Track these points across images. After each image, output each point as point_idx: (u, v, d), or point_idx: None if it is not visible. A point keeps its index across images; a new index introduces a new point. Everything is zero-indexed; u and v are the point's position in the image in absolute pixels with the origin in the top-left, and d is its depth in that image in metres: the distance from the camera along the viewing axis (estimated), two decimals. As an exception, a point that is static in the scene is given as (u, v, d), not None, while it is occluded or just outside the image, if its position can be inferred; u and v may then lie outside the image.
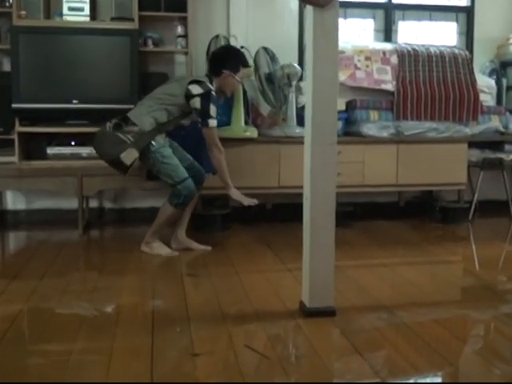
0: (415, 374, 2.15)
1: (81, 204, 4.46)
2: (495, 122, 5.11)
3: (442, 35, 5.70)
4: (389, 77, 4.89)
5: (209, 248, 4.02)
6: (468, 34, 5.68)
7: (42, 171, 4.42)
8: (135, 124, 3.74)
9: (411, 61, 4.95)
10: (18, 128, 4.50)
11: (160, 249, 3.90)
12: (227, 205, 4.88)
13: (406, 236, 4.60)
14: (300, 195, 2.75)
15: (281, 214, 4.97)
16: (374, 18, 5.57)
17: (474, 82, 5.02)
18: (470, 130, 5.00)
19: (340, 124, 4.74)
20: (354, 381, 2.14)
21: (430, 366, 2.21)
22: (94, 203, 5.05)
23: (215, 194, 4.76)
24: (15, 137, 4.50)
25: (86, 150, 4.58)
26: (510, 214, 5.22)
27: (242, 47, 4.71)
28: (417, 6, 5.62)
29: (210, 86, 3.82)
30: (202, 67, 4.79)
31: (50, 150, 4.59)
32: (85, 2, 4.57)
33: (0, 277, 3.47)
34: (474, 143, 5.10)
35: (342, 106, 4.74)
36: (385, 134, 4.83)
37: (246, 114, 4.76)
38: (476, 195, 5.15)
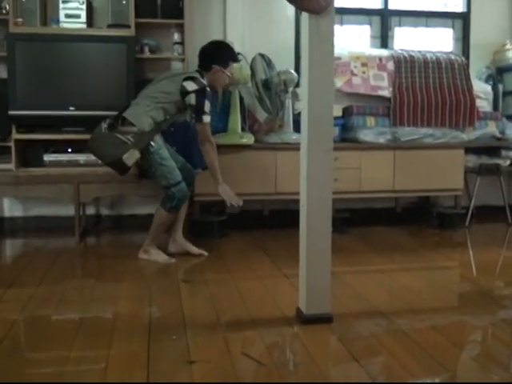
0: (412, 380, 2.14)
1: (77, 211, 4.46)
2: (492, 128, 5.12)
3: (438, 41, 5.71)
4: (385, 83, 4.89)
5: (205, 253, 4.03)
6: (464, 40, 5.70)
7: (38, 178, 4.42)
8: (132, 124, 3.72)
9: (407, 67, 4.96)
10: (15, 135, 4.50)
11: (157, 256, 3.90)
12: (224, 211, 4.88)
13: (402, 242, 4.60)
14: (297, 201, 2.74)
15: (278, 220, 4.96)
16: (370, 24, 5.59)
17: (470, 87, 5.03)
18: (467, 135, 5.01)
19: (337, 130, 4.75)
20: (351, 388, 2.14)
21: (427, 372, 2.20)
22: (90, 210, 5.04)
23: (212, 201, 4.76)
24: (12, 144, 4.50)
25: (82, 157, 4.59)
26: (506, 220, 5.22)
27: (238, 53, 4.70)
28: (413, 12, 5.64)
29: (203, 81, 3.84)
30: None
31: (47, 157, 4.58)
32: (81, 9, 4.58)
33: (-4, 284, 3.47)
34: (470, 149, 5.11)
35: (338, 112, 4.74)
36: (381, 140, 4.83)
37: (243, 120, 4.77)
38: (473, 201, 5.15)
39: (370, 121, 4.83)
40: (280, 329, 2.64)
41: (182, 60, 4.82)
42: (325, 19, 2.55)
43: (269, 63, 4.95)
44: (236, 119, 4.64)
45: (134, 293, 3.22)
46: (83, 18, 4.59)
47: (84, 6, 4.59)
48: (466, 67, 5.11)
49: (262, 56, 4.92)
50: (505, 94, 5.44)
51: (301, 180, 2.69)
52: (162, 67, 4.96)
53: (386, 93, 4.88)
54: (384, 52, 5.10)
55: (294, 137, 4.57)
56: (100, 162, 3.96)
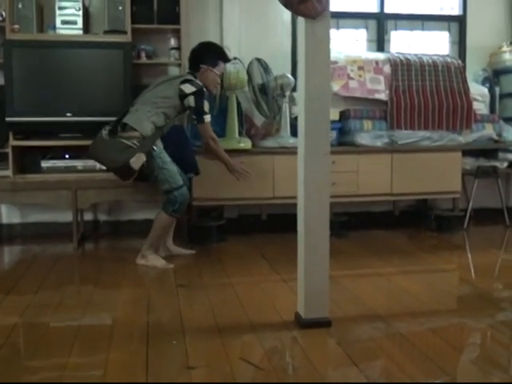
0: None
1: (75, 217, 4.45)
2: (489, 130, 5.12)
3: (434, 44, 5.72)
4: (382, 86, 4.90)
5: (193, 251, 4.18)
6: (460, 42, 5.71)
7: (36, 185, 4.41)
8: (134, 129, 3.74)
9: (404, 70, 4.97)
10: (12, 142, 4.49)
11: (156, 261, 3.90)
12: (222, 216, 4.89)
13: (401, 245, 4.60)
14: (295, 205, 2.74)
15: (276, 224, 4.96)
16: (366, 28, 5.60)
17: (467, 90, 5.04)
18: (464, 138, 5.01)
19: (334, 134, 4.75)
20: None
21: (426, 376, 2.20)
22: (88, 216, 5.04)
23: (211, 206, 4.77)
24: (9, 150, 4.50)
25: (80, 163, 4.59)
26: (504, 222, 5.23)
27: (235, 58, 4.73)
28: (409, 16, 5.65)
29: (199, 83, 3.90)
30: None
31: (44, 164, 4.58)
32: (78, 16, 4.59)
33: (-6, 291, 3.47)
34: (467, 151, 5.11)
35: (335, 116, 4.74)
36: (378, 143, 4.84)
37: (240, 125, 4.77)
38: (471, 203, 5.16)
39: (367, 124, 4.83)
40: (279, 333, 2.64)
41: (179, 65, 4.82)
42: (321, 23, 2.56)
43: (265, 68, 4.96)
44: (233, 124, 4.64)
45: (132, 298, 3.22)
46: (80, 25, 4.60)
47: (80, 13, 4.59)
48: (462, 70, 5.12)
49: (259, 60, 4.93)
50: (501, 96, 5.44)
51: (298, 184, 2.69)
52: (158, 72, 4.95)
53: (383, 96, 4.89)
54: (380, 55, 5.11)
55: (292, 141, 4.57)
56: (103, 167, 4.00)
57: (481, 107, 5.19)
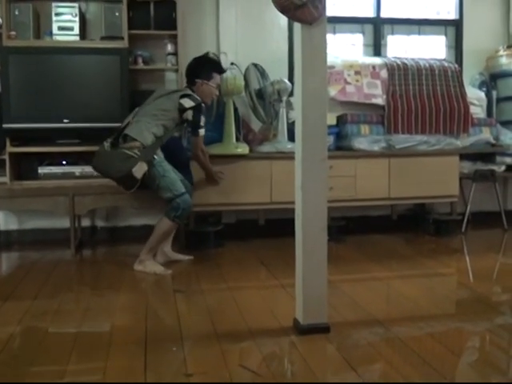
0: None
1: (73, 223, 4.44)
2: (486, 134, 5.12)
3: (431, 49, 5.73)
4: (379, 91, 4.90)
5: (191, 257, 4.18)
6: (457, 47, 5.72)
7: (33, 191, 4.40)
8: (135, 139, 3.81)
9: (401, 74, 4.97)
10: (9, 148, 4.49)
11: (154, 267, 3.89)
12: (220, 221, 4.89)
13: (399, 249, 4.59)
14: (293, 210, 2.74)
15: (274, 229, 4.95)
16: (363, 32, 5.61)
17: (463, 94, 5.05)
18: (461, 142, 5.02)
19: (331, 138, 4.75)
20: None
21: (425, 381, 2.19)
22: (86, 222, 5.03)
23: (208, 211, 4.76)
24: (6, 157, 4.49)
25: (77, 169, 4.59)
26: (502, 226, 5.23)
27: (232, 64, 4.74)
28: (405, 21, 5.66)
29: (198, 97, 4.00)
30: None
31: (42, 170, 4.58)
32: (74, 22, 4.59)
33: (-8, 298, 3.46)
34: (465, 155, 5.12)
35: (332, 120, 4.74)
36: (376, 147, 4.84)
37: (237, 130, 4.77)
38: (468, 207, 5.16)
39: (365, 129, 4.83)
40: (277, 339, 2.63)
41: (176, 71, 4.83)
42: (317, 29, 2.56)
43: (262, 73, 4.96)
44: (230, 129, 4.64)
45: (131, 305, 3.21)
46: (76, 31, 4.60)
47: (77, 19, 4.60)
48: (459, 74, 5.12)
49: (256, 66, 4.94)
50: (498, 100, 5.44)
51: (296, 189, 2.69)
52: (155, 78, 4.97)
53: (380, 101, 4.89)
54: (377, 60, 5.11)
55: (289, 146, 4.57)
56: (107, 178, 4.01)
57: (478, 111, 5.19)
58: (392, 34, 5.66)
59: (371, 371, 2.30)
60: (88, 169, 4.44)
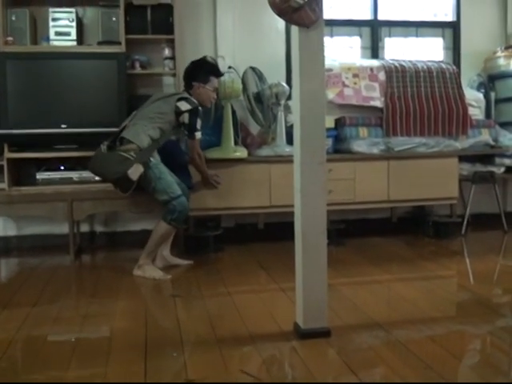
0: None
1: (72, 229, 4.44)
2: (485, 136, 5.12)
3: (428, 51, 5.73)
4: (377, 93, 4.90)
5: (191, 262, 4.18)
6: (455, 48, 5.72)
7: (31, 197, 4.40)
8: (131, 142, 3.83)
9: (399, 77, 4.97)
10: (7, 154, 4.48)
11: (153, 272, 3.88)
12: (219, 226, 4.88)
13: (399, 252, 4.58)
14: (292, 214, 2.73)
15: (273, 233, 4.94)
16: (360, 35, 5.60)
17: (462, 96, 5.04)
18: (460, 144, 5.01)
19: (330, 141, 4.75)
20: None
21: (426, 384, 2.18)
22: (85, 227, 5.02)
23: (207, 216, 4.75)
24: (4, 163, 4.48)
25: (75, 175, 4.58)
26: (502, 227, 5.22)
27: (229, 67, 4.73)
28: (403, 23, 5.66)
29: (195, 100, 4.02)
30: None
31: (40, 176, 4.57)
32: (71, 27, 4.59)
33: (-9, 305, 3.45)
34: (464, 157, 5.11)
35: (331, 123, 4.74)
36: (375, 150, 4.83)
37: (236, 134, 4.76)
38: (468, 209, 5.15)
39: (363, 131, 4.83)
40: (278, 344, 2.61)
41: (174, 75, 4.82)
42: (314, 32, 2.56)
43: (260, 76, 4.96)
44: (229, 133, 4.63)
45: (130, 310, 3.19)
46: (73, 36, 4.60)
47: (74, 24, 4.60)
48: (457, 76, 5.12)
49: (253, 69, 4.93)
50: (497, 101, 5.44)
51: (295, 193, 2.68)
52: (153, 82, 4.97)
53: (378, 103, 4.89)
54: (375, 62, 5.11)
55: (288, 149, 4.56)
56: (98, 178, 4.03)
57: (476, 112, 5.19)
58: (389, 36, 5.66)
59: (372, 375, 2.29)
60: (86, 174, 4.44)
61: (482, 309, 3.11)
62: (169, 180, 3.93)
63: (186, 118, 3.96)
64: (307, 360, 2.40)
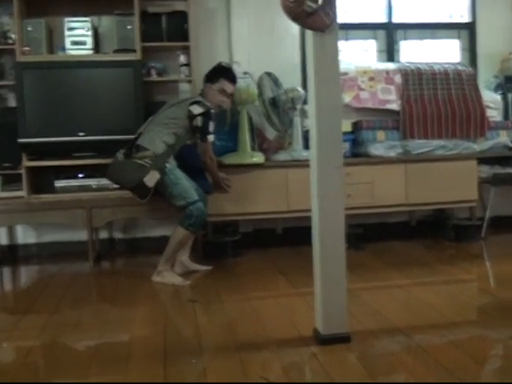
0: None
1: (91, 236, 4.46)
2: (503, 137, 5.07)
3: (444, 52, 5.69)
4: (393, 96, 4.88)
5: (209, 267, 4.19)
6: (471, 50, 5.68)
7: (50, 204, 4.43)
8: (146, 149, 3.85)
9: (415, 79, 4.95)
10: (26, 162, 4.52)
11: (172, 277, 3.89)
12: (237, 231, 4.87)
13: (419, 256, 4.55)
14: (310, 218, 2.71)
15: (291, 238, 4.93)
16: (375, 38, 5.58)
17: (479, 97, 5.00)
18: (479, 146, 4.97)
19: (347, 145, 4.74)
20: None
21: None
22: (104, 234, 5.04)
23: (225, 221, 4.76)
24: (23, 171, 4.52)
25: (94, 182, 4.60)
26: (523, 229, 5.17)
27: (245, 73, 4.73)
28: (418, 25, 5.63)
29: (207, 103, 4.04)
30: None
31: (58, 183, 4.60)
32: (87, 36, 4.62)
33: (12, 312, 3.47)
34: (483, 159, 5.06)
35: (347, 127, 4.73)
36: (392, 153, 4.80)
37: (252, 139, 4.76)
38: (488, 211, 5.10)
39: (380, 135, 4.81)
40: (297, 350, 2.60)
41: (189, 81, 4.84)
42: (329, 36, 2.55)
43: (276, 81, 4.95)
44: (245, 138, 4.63)
45: (149, 316, 3.20)
46: (89, 45, 4.63)
47: (90, 33, 4.63)
48: (474, 77, 5.08)
49: (269, 74, 4.92)
50: (515, 102, 5.39)
51: (312, 197, 2.67)
52: (169, 89, 4.98)
53: (395, 106, 4.87)
54: (391, 65, 5.09)
55: (304, 154, 4.55)
56: (121, 187, 4.10)
57: (494, 114, 5.14)
58: (405, 38, 5.64)
59: (393, 381, 2.26)
60: (104, 181, 4.46)
61: (504, 313, 3.07)
62: (185, 185, 3.94)
63: (199, 121, 3.97)
64: (327, 366, 2.39)
